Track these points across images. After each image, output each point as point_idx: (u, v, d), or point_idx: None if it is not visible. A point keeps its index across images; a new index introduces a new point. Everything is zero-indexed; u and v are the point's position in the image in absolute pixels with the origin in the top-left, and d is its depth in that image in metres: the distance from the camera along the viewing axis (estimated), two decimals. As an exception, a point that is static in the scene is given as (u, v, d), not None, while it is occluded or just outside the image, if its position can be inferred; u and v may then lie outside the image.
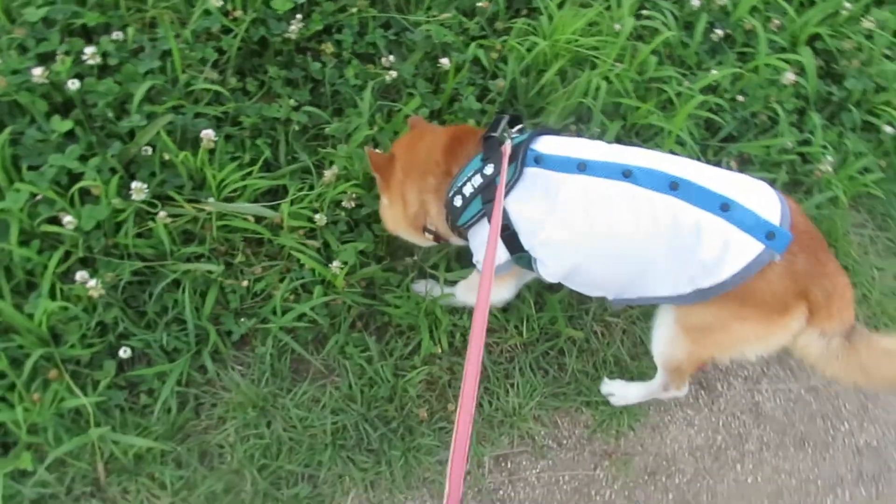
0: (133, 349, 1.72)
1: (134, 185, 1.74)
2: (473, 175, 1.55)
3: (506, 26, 2.34)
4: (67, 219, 1.69)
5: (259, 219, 1.88)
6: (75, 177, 1.76)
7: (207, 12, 2.00)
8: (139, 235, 1.81)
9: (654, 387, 1.81)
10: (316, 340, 1.91)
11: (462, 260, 1.99)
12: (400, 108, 2.10)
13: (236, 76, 2.07)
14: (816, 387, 2.08)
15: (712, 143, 2.35)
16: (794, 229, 1.33)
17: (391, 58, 2.16)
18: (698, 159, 2.12)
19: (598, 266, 1.54)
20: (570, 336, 1.95)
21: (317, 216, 1.89)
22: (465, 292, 1.88)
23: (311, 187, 1.98)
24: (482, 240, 1.61)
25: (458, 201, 1.58)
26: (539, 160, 1.49)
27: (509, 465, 1.82)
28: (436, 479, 1.76)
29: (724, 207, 1.33)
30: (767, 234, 1.31)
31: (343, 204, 1.93)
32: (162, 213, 1.79)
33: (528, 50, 2.20)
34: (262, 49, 2.14)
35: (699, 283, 1.41)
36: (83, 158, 1.76)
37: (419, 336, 1.88)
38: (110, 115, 1.82)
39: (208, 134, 1.80)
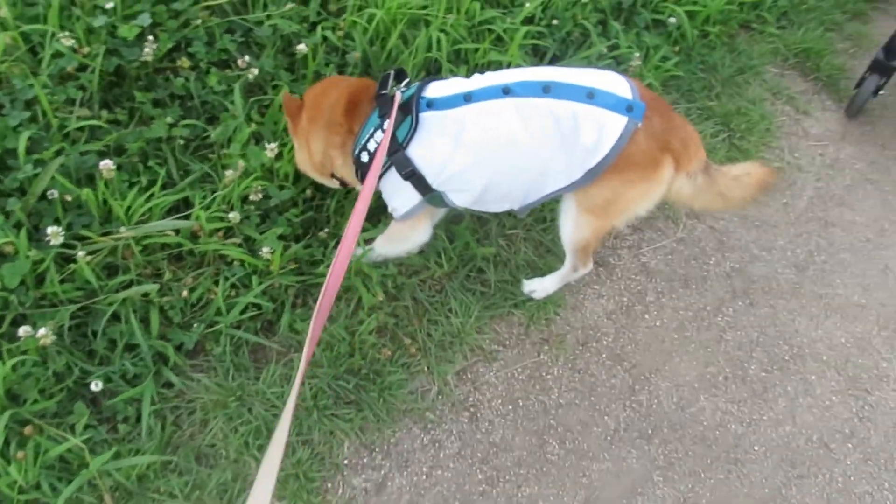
0: (96, 385, 1.77)
1: (50, 230, 1.78)
2: (374, 131, 1.77)
3: (339, 7, 2.55)
4: (-11, 281, 1.70)
5: (175, 233, 1.97)
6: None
7: (59, 54, 2.03)
8: (63, 281, 1.85)
9: (566, 271, 2.14)
10: (265, 328, 2.05)
11: (372, 219, 2.19)
12: (271, 99, 2.25)
13: (104, 109, 2.12)
14: (682, 237, 2.53)
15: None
16: (644, 99, 1.68)
17: (246, 58, 2.30)
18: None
19: (505, 178, 1.80)
20: (483, 255, 2.23)
21: (230, 215, 2.01)
22: (383, 244, 2.10)
23: (214, 192, 2.09)
24: (393, 187, 1.85)
25: (364, 157, 1.80)
26: (431, 104, 1.74)
27: (469, 376, 2.08)
28: (413, 408, 1.98)
29: (589, 95, 1.65)
30: (627, 107, 1.65)
31: (251, 198, 2.07)
32: (81, 253, 1.83)
33: (369, 22, 2.43)
34: (119, 79, 2.20)
35: (588, 165, 1.72)
36: (-16, 221, 1.77)
37: (357, 294, 2.07)
38: (-4, 174, 1.83)
39: (107, 164, 1.87)
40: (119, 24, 2.17)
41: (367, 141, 1.79)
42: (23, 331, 1.70)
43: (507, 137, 1.72)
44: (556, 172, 1.77)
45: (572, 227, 1.91)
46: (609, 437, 2.03)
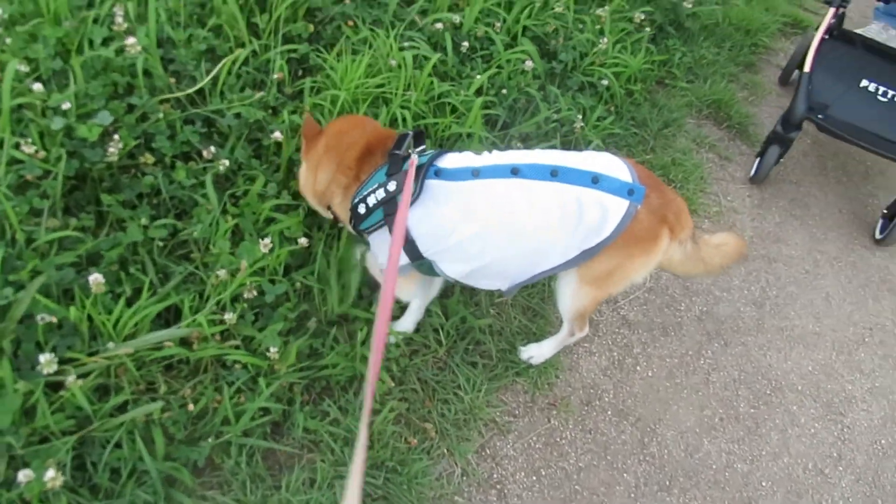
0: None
1: (42, 358, 1.64)
2: (378, 188, 1.83)
3: (294, 90, 2.56)
4: (-23, 426, 1.54)
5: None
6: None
7: (15, 161, 1.91)
8: (53, 410, 1.70)
9: (563, 336, 2.22)
10: (276, 427, 1.97)
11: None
12: (246, 190, 2.21)
13: (67, 216, 2.00)
14: (651, 287, 2.69)
15: (497, 134, 2.84)
16: (640, 179, 1.81)
17: (211, 149, 2.25)
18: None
19: (504, 255, 1.87)
20: (480, 326, 2.27)
21: (226, 316, 1.94)
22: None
23: (201, 293, 2.01)
24: (381, 244, 1.93)
25: (361, 209, 1.87)
26: (438, 174, 1.81)
27: (488, 451, 2.09)
28: (441, 494, 1.96)
29: (594, 180, 1.76)
30: (629, 191, 1.77)
31: (245, 296, 2.00)
32: (71, 378, 1.70)
33: (332, 103, 2.45)
34: (80, 181, 2.09)
35: (586, 245, 1.81)
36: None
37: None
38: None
39: (96, 279, 1.76)
40: (76, 125, 2.06)
41: (368, 195, 1.85)
42: (23, 475, 1.55)
43: (512, 216, 1.80)
44: (554, 252, 1.85)
45: (571, 296, 1.99)
46: (632, 494, 2.09)
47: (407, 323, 2.19)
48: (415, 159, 1.82)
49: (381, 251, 1.94)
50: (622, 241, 1.82)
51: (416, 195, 1.79)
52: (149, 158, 2.16)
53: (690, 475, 2.18)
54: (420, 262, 1.90)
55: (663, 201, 1.86)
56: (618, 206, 1.77)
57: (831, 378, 2.57)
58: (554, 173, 1.77)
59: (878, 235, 3.17)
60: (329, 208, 2.06)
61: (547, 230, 1.80)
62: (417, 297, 2.14)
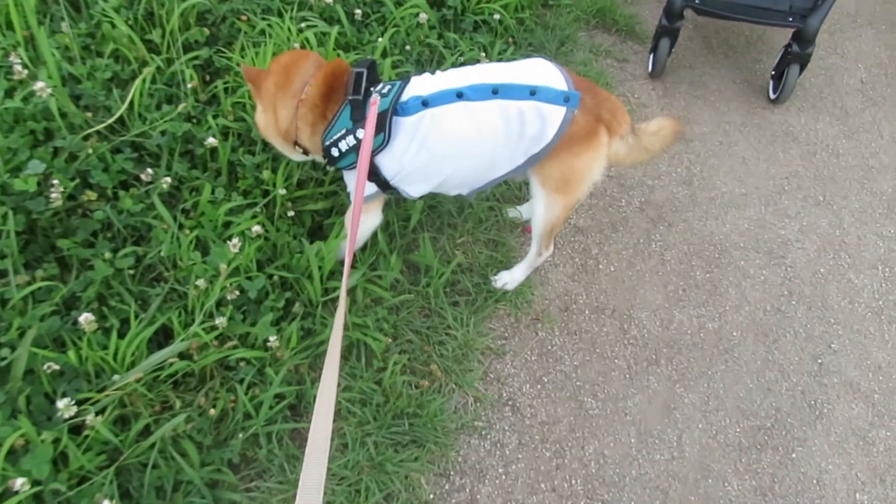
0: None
1: (60, 404, 1.69)
2: (346, 134, 1.96)
3: (208, 96, 2.59)
4: (19, 482, 1.58)
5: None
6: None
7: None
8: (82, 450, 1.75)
9: (531, 257, 2.38)
10: (292, 410, 2.07)
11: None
12: (196, 200, 2.25)
13: (29, 271, 2.01)
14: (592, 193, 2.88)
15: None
16: (575, 84, 1.96)
17: (149, 171, 2.27)
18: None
19: (459, 171, 2.06)
20: (455, 265, 2.40)
21: (218, 321, 2.00)
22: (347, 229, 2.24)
23: (185, 307, 2.07)
24: (352, 179, 2.05)
25: (335, 152, 1.99)
26: (397, 111, 1.94)
27: (492, 375, 2.25)
28: (462, 424, 2.12)
29: (532, 93, 1.91)
30: (564, 98, 1.93)
31: (229, 298, 2.07)
32: (90, 417, 1.75)
33: (250, 98, 2.50)
34: (31, 234, 2.09)
35: (532, 152, 1.98)
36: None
37: (364, 348, 2.16)
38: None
39: (87, 317, 1.80)
40: (10, 181, 2.05)
41: (339, 140, 1.97)
42: (78, 516, 1.60)
43: (461, 138, 1.97)
44: (502, 161, 2.04)
45: (543, 208, 2.15)
46: (626, 375, 2.30)
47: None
48: (376, 99, 1.93)
49: (352, 185, 2.10)
50: (565, 143, 1.98)
51: (384, 144, 1.95)
52: (91, 195, 2.17)
53: (671, 345, 2.41)
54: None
55: (597, 101, 2.02)
56: (556, 114, 1.93)
57: (766, 229, 2.84)
58: (495, 91, 1.93)
59: (771, 95, 3.46)
60: (296, 144, 2.11)
61: (493, 145, 1.97)
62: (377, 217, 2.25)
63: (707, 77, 3.61)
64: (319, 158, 2.16)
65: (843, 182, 3.09)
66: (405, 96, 1.97)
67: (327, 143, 2.01)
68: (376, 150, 1.97)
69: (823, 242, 2.81)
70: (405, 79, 2.04)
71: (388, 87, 1.99)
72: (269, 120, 2.10)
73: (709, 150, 3.17)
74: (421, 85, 2.00)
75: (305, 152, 2.15)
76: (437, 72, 2.04)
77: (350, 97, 1.95)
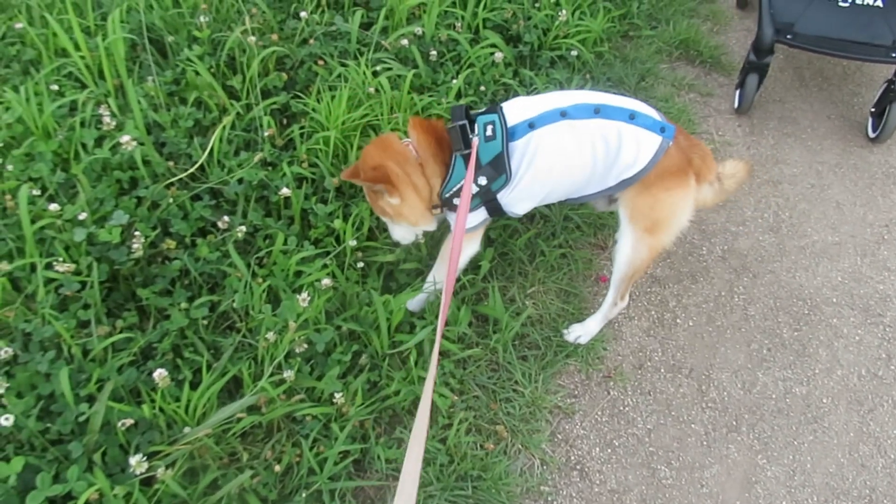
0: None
1: (133, 460, 1.73)
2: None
3: (285, 140, 2.64)
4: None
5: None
6: (69, 497, 1.69)
7: (51, 280, 1.99)
8: (153, 505, 1.79)
9: (607, 308, 2.31)
10: (356, 464, 2.06)
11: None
12: (269, 249, 2.29)
13: (109, 318, 2.09)
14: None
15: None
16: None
17: (226, 219, 2.33)
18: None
19: (559, 188, 2.09)
20: (525, 317, 2.35)
21: (286, 374, 2.02)
22: (441, 267, 2.25)
23: (254, 358, 2.10)
24: (471, 220, 2.11)
25: (457, 201, 2.02)
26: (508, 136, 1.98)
27: (560, 436, 2.18)
28: (528, 488, 2.06)
29: (631, 117, 1.96)
30: (661, 128, 1.97)
31: (297, 350, 2.09)
32: (161, 471, 1.79)
33: (325, 144, 2.53)
34: (113, 282, 2.17)
35: (623, 176, 2.00)
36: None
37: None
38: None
39: (161, 373, 1.85)
40: (96, 231, 2.14)
41: (460, 189, 2.01)
42: (147, 573, 1.64)
43: (564, 153, 2.00)
44: (595, 179, 2.06)
45: (630, 247, 2.12)
46: (704, 442, 2.19)
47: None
48: (475, 143, 1.98)
49: (472, 222, 2.14)
50: (657, 176, 2.00)
51: (505, 184, 2.02)
52: (170, 244, 2.24)
53: (754, 410, 2.27)
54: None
55: (689, 144, 2.06)
56: (652, 141, 1.97)
57: (862, 283, 2.65)
58: (597, 111, 1.97)
59: (871, 134, 3.24)
60: (432, 209, 2.16)
61: (593, 162, 2.00)
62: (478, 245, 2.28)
63: (798, 112, 3.42)
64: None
65: (951, 231, 2.86)
66: (509, 124, 2.00)
67: (447, 195, 2.07)
68: (499, 189, 2.04)
69: (928, 299, 2.60)
70: (494, 106, 2.05)
71: (489, 126, 1.99)
72: (413, 198, 2.10)
73: (799, 194, 2.99)
74: (520, 108, 2.03)
75: (438, 208, 2.19)
76: (531, 96, 2.09)
77: (460, 153, 2.00)
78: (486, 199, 2.07)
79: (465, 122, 2.00)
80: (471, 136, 2.00)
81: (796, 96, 3.51)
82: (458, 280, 2.39)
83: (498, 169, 2.00)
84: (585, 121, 1.97)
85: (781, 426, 2.23)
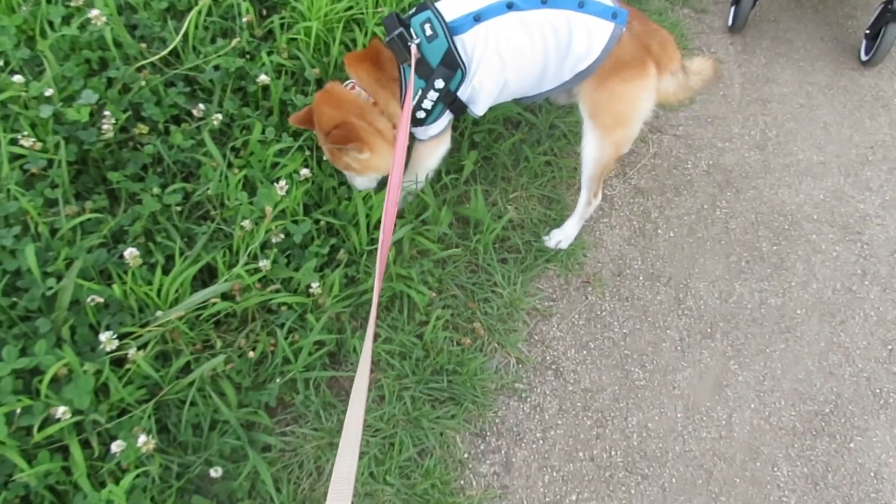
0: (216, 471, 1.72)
1: (103, 336, 1.69)
2: (428, 91, 1.93)
3: (265, 31, 2.51)
4: (61, 410, 1.60)
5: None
6: (38, 371, 1.65)
7: (16, 156, 1.91)
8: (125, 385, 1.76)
9: (581, 208, 2.27)
10: (331, 357, 2.05)
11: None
12: (246, 139, 2.21)
13: (80, 200, 2.01)
14: (655, 152, 2.73)
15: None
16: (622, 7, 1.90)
17: (201, 107, 2.23)
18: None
19: (513, 83, 2.01)
20: (506, 220, 2.32)
21: (261, 264, 1.98)
22: (413, 173, 2.19)
23: (230, 248, 2.05)
24: (436, 127, 2.06)
25: (421, 114, 1.97)
26: (451, 30, 1.89)
27: (537, 337, 2.18)
28: (502, 385, 2.06)
29: (580, 4, 1.86)
30: (612, 14, 1.87)
31: (273, 241, 2.04)
32: (132, 351, 1.76)
33: (306, 34, 2.42)
34: (83, 165, 2.08)
35: (578, 69, 1.93)
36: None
37: (407, 301, 2.11)
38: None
39: (132, 252, 1.79)
40: (63, 110, 2.04)
41: (422, 101, 1.95)
42: (116, 446, 1.62)
43: (517, 48, 1.91)
44: (550, 75, 1.98)
45: (594, 145, 2.07)
46: (678, 347, 2.20)
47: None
48: (415, 50, 1.87)
49: (437, 128, 2.08)
50: (613, 68, 1.93)
51: (462, 79, 1.94)
52: (143, 128, 2.15)
53: (729, 319, 2.28)
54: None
55: (647, 30, 1.96)
56: (603, 29, 1.88)
57: (843, 201, 2.65)
58: (544, 1, 1.87)
59: (863, 56, 3.19)
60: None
61: (545, 55, 1.92)
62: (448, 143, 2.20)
63: (792, 33, 3.34)
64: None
65: (934, 155, 2.85)
66: (450, 19, 1.89)
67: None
68: (458, 87, 1.95)
69: (906, 220, 2.61)
70: (423, 5, 1.93)
71: (426, 26, 1.88)
72: (382, 146, 2.02)
73: (787, 113, 2.95)
74: (459, 2, 1.92)
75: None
76: None
77: (403, 63, 1.91)
78: (449, 100, 1.99)
79: (401, 29, 1.88)
80: (409, 42, 1.88)
81: (791, 17, 3.43)
82: (440, 180, 2.35)
83: (451, 66, 1.90)
84: (533, 12, 1.87)
85: (755, 334, 2.25)
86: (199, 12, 2.36)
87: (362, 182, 2.17)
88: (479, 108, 2.05)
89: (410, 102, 1.87)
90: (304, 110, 2.06)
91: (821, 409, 2.10)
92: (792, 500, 1.92)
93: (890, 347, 2.25)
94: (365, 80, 2.00)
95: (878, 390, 2.15)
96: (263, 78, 2.24)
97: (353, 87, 2.01)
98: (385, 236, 1.63)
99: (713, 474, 1.95)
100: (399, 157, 1.74)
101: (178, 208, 2.08)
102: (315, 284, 1.97)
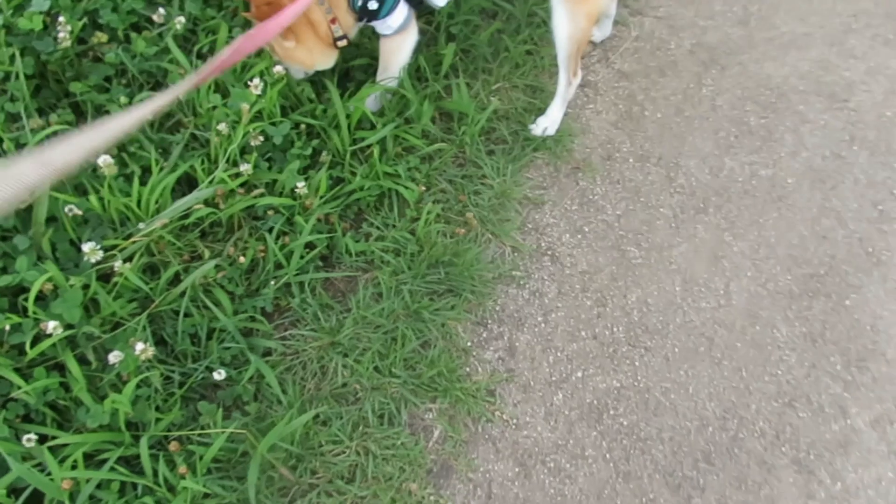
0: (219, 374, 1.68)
1: (86, 247, 1.61)
2: None
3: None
4: (51, 325, 1.53)
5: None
6: (22, 290, 1.58)
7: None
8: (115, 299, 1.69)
9: (562, 90, 2.17)
10: (324, 260, 1.98)
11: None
12: (213, 42, 2.08)
13: (44, 117, 1.89)
14: (637, 35, 2.63)
15: None
16: None
17: (161, 11, 2.09)
18: None
19: None
20: (491, 111, 2.22)
21: (242, 168, 1.88)
22: (385, 69, 2.11)
23: (209, 157, 1.95)
24: (395, 19, 1.95)
25: (373, 4, 1.86)
26: None
27: (530, 225, 2.13)
28: (500, 273, 2.02)
29: None
30: None
31: (252, 144, 1.94)
32: (118, 263, 1.67)
33: None
34: (42, 79, 1.95)
35: None
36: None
37: (396, 197, 2.04)
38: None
39: (105, 160, 1.68)
40: (14, 19, 1.89)
41: None
42: (114, 356, 1.56)
43: None
44: None
45: (565, 21, 1.96)
46: (672, 224, 2.16)
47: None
48: None
49: (397, 21, 1.96)
50: None
51: None
52: (101, 37, 2.00)
53: (721, 193, 2.24)
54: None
55: None
56: None
57: (829, 70, 2.57)
58: None
59: (842, -77, 3.05)
60: (335, 42, 1.97)
61: None
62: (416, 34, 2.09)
63: None
64: (353, 32, 2.01)
65: (917, 19, 2.77)
66: None
67: (360, 3, 1.86)
68: None
69: (892, 84, 2.54)
70: None
71: None
72: (310, 39, 1.90)
73: (768, -14, 2.84)
74: None
75: (347, 40, 1.98)
76: None
77: None
78: None
79: None
80: None
81: None
82: (420, 76, 2.24)
83: None
84: None
85: (747, 206, 2.21)
86: None
87: (292, 70, 2.07)
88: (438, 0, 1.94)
89: None
90: None
91: (816, 272, 2.09)
92: (792, 359, 1.93)
93: (880, 208, 2.23)
94: None
95: (870, 249, 2.14)
96: (219, -22, 2.08)
97: None
98: (218, 61, 1.29)
99: (714, 341, 1.95)
100: (282, 17, 1.45)
101: (149, 118, 1.95)
102: (301, 185, 1.89)
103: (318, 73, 2.11)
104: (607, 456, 1.77)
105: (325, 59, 2.03)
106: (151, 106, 1.10)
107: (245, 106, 1.85)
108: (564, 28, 1.97)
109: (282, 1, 1.80)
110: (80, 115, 1.95)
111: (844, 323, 1.99)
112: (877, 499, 1.75)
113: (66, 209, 1.64)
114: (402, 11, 1.94)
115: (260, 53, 2.04)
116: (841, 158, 2.34)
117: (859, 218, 2.20)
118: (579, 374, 1.87)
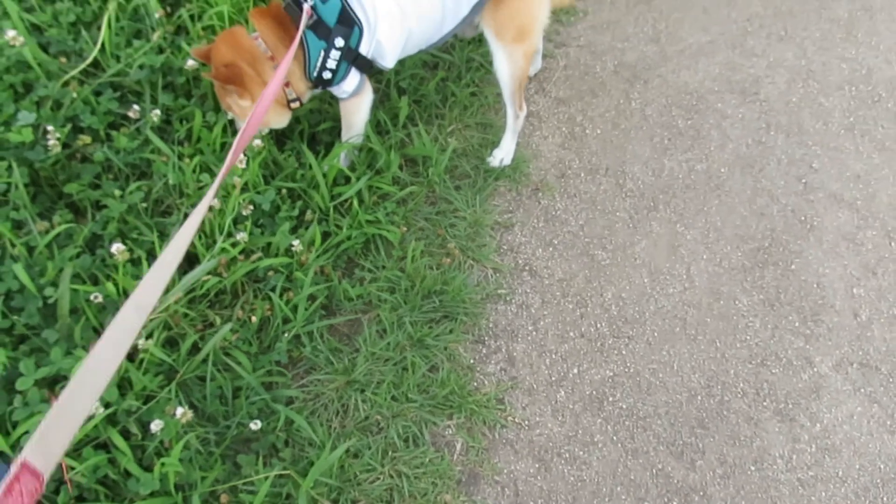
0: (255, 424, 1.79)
1: (113, 330, 1.71)
2: (329, 51, 1.97)
3: (175, 26, 2.51)
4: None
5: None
6: (55, 381, 1.68)
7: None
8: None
9: (511, 122, 2.38)
10: (325, 309, 2.12)
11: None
12: (189, 129, 2.23)
13: (44, 221, 2.00)
14: (565, 64, 2.89)
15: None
16: None
17: (135, 107, 2.23)
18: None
19: (418, 31, 2.08)
20: (451, 150, 2.43)
21: (239, 236, 2.03)
22: (349, 128, 2.26)
23: (205, 232, 2.08)
24: (349, 84, 2.11)
25: (327, 74, 2.02)
26: None
27: (505, 247, 2.32)
28: (487, 294, 2.19)
29: None
30: None
31: (244, 214, 2.08)
32: (142, 341, 1.79)
33: (220, 19, 2.43)
34: (36, 186, 2.07)
35: (473, 1, 2.06)
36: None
37: (380, 241, 2.20)
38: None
39: (119, 247, 1.81)
40: (4, 135, 2.01)
41: (326, 61, 2.00)
42: (155, 426, 1.67)
43: (411, 4, 2.01)
44: (450, 14, 2.08)
45: (506, 61, 2.19)
46: (630, 225, 2.38)
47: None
48: (308, 9, 1.91)
49: (351, 85, 2.12)
50: None
51: (360, 35, 1.99)
52: (85, 139, 2.13)
53: (666, 190, 2.48)
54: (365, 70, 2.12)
55: None
56: None
57: (736, 70, 2.88)
58: None
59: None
60: (289, 104, 2.12)
61: (441, 5, 2.04)
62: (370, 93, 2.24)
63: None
64: (307, 97, 2.18)
65: (801, 15, 3.12)
66: None
67: (315, 73, 2.02)
68: (358, 44, 1.99)
69: (791, 74, 2.87)
70: None
71: None
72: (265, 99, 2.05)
73: (670, 6, 3.16)
74: None
75: (300, 102, 2.14)
76: None
77: (304, 26, 1.91)
78: (352, 58, 2.03)
79: None
80: (304, 2, 1.91)
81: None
82: (387, 132, 2.43)
83: (348, 24, 1.95)
84: None
85: (691, 198, 2.46)
86: (110, 18, 2.34)
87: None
88: (387, 61, 2.10)
89: (289, 59, 1.80)
90: (206, 46, 2.08)
91: (761, 245, 2.33)
92: (756, 323, 2.15)
93: (804, 181, 2.51)
94: (266, 35, 2.01)
95: (802, 218, 2.40)
96: (192, 63, 2.25)
97: (256, 38, 2.03)
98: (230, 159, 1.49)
99: (686, 321, 2.16)
100: (261, 105, 1.62)
101: (143, 205, 2.09)
102: (296, 243, 2.04)
103: (291, 141, 2.28)
104: (614, 438, 1.94)
105: (279, 119, 2.18)
106: (198, 215, 1.21)
107: (237, 179, 2.00)
108: (506, 69, 2.20)
109: (239, 63, 1.98)
110: (79, 214, 2.07)
111: (794, 285, 2.24)
112: (852, 432, 1.97)
113: (92, 296, 1.75)
114: (354, 76, 2.11)
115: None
116: (762, 144, 2.62)
117: (788, 192, 2.47)
118: (575, 371, 2.05)
